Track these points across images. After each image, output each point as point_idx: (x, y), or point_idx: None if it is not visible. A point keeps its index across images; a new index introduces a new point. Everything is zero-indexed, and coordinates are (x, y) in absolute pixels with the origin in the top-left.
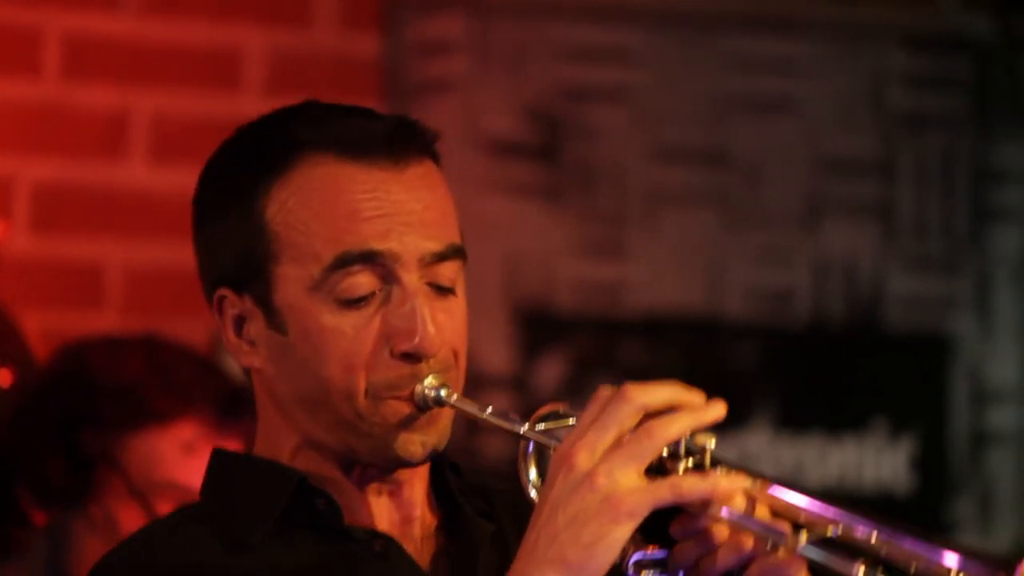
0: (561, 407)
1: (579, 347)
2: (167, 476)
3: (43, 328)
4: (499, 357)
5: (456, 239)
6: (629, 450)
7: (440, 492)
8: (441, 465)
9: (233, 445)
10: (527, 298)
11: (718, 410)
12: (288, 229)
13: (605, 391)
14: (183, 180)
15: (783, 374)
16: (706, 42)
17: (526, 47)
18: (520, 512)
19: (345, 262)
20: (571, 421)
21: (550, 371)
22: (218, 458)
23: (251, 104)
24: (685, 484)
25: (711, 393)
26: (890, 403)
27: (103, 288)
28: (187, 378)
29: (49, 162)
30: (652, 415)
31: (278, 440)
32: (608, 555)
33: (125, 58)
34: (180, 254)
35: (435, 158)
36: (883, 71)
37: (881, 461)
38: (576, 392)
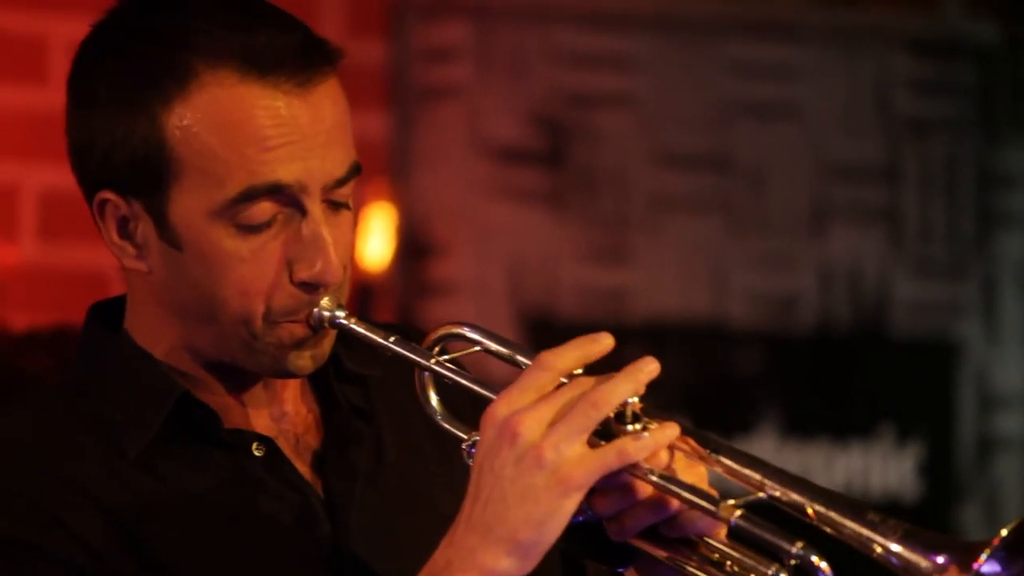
0: (456, 328)
1: None
2: None
3: None
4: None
5: (354, 155)
6: (576, 422)
7: (319, 383)
8: None
9: None
10: (531, 303)
11: (652, 367)
12: (190, 152)
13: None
14: None
15: (789, 380)
16: (710, 48)
17: (530, 53)
18: (398, 403)
19: (250, 196)
20: (475, 349)
21: None
22: (93, 334)
23: None
24: (631, 448)
25: (717, 400)
26: (896, 409)
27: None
28: None
29: (55, 169)
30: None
31: (154, 335)
32: (559, 529)
33: None
34: None
35: (335, 66)
36: (887, 76)
37: (888, 467)
38: None
